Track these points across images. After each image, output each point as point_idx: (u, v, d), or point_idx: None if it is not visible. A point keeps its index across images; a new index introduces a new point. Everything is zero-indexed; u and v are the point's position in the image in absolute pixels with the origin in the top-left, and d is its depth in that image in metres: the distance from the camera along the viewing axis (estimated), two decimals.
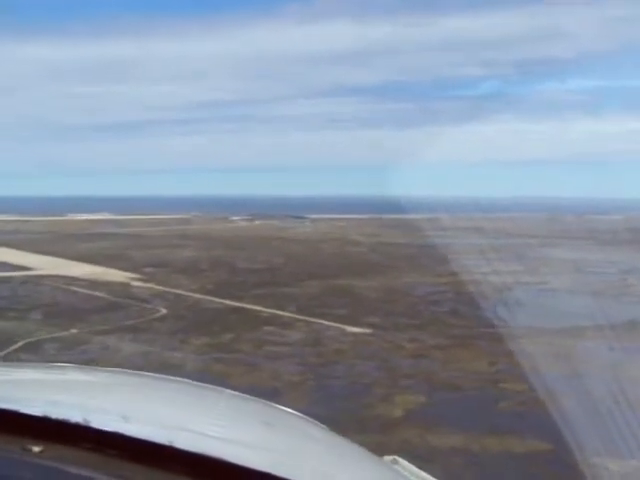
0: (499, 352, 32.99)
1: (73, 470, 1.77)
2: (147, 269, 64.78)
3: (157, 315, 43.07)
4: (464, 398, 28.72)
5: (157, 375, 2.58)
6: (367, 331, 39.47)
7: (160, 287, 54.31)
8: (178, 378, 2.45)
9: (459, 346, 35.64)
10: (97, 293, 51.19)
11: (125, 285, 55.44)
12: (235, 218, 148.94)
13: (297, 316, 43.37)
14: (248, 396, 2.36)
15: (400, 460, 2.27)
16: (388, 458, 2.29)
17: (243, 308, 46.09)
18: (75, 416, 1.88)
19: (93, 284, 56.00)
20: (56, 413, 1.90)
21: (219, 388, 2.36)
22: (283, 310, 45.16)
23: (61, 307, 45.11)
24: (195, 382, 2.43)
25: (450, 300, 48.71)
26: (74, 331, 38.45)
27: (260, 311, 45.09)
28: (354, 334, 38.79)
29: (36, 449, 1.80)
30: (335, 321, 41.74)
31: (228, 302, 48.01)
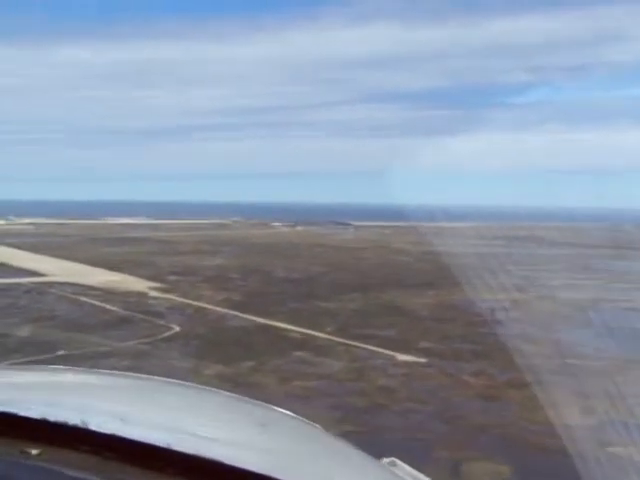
0: (593, 394, 25.40)
1: (71, 473, 1.76)
2: (171, 277, 58.14)
3: (167, 334, 36.06)
4: (560, 470, 21.08)
5: (154, 377, 2.42)
6: (421, 360, 31.99)
7: (180, 299, 47.44)
8: (175, 380, 2.35)
9: (539, 383, 27.84)
10: (107, 305, 44.45)
11: (141, 296, 48.67)
12: (276, 224, 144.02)
13: (336, 338, 36.05)
14: (244, 397, 2.27)
15: (398, 462, 2.07)
16: (386, 460, 2.07)
17: (272, 326, 38.91)
18: (73, 418, 1.87)
19: (106, 294, 49.40)
20: (54, 415, 1.88)
21: (215, 390, 2.31)
22: (320, 330, 37.88)
23: (58, 322, 38.36)
24: (192, 384, 2.39)
25: (518, 321, 40.93)
26: (60, 353, 31.60)
27: (292, 331, 37.85)
28: (406, 364, 31.32)
29: (34, 452, 1.79)
30: (382, 346, 34.34)
31: (255, 318, 40.88)
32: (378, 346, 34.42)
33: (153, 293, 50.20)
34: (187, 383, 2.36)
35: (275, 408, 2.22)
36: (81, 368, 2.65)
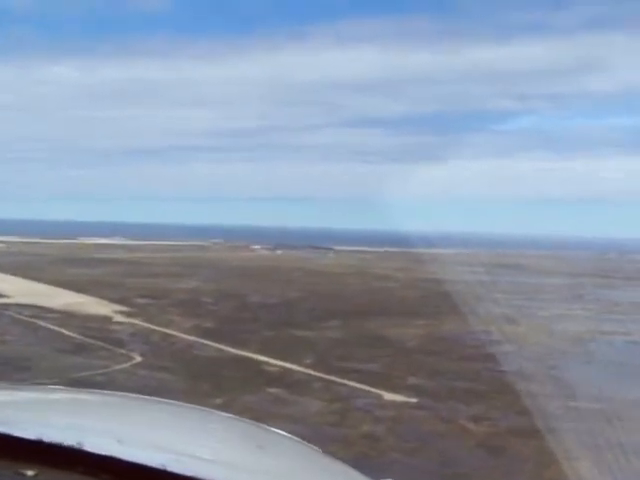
0: (611, 444, 21.78)
1: None
2: (140, 300, 54.33)
3: (126, 365, 32.17)
4: None
5: (150, 398, 2.47)
6: (412, 400, 28.27)
7: (146, 324, 43.57)
8: (171, 401, 2.35)
9: (547, 431, 24.25)
10: (64, 330, 40.51)
11: (104, 320, 44.77)
12: (256, 247, 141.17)
13: (314, 372, 32.33)
14: (240, 418, 2.29)
15: None
16: None
17: (244, 358, 35.13)
18: (69, 439, 1.82)
19: (67, 318, 45.47)
20: (50, 436, 1.84)
21: (212, 410, 2.33)
22: (297, 362, 34.17)
23: (2, 349, 34.39)
24: (188, 405, 2.34)
25: (515, 355, 37.51)
26: None
27: (266, 363, 34.09)
28: (394, 405, 27.57)
29: (30, 473, 1.75)
30: (366, 382, 30.64)
31: (226, 348, 37.10)
32: (362, 382, 30.73)
33: (118, 317, 46.35)
34: (184, 404, 2.31)
35: (273, 429, 2.22)
36: (77, 388, 2.79)
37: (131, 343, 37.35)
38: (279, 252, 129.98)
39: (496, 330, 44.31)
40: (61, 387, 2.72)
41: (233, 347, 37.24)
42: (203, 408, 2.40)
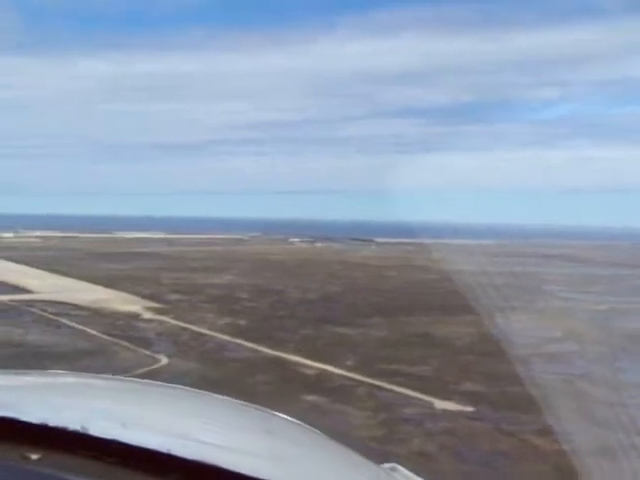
0: None
1: (71, 478, 1.67)
2: (172, 296, 51.71)
3: (150, 368, 29.22)
4: None
5: (156, 382, 2.47)
6: (467, 409, 24.99)
7: (176, 322, 40.77)
8: (177, 385, 2.33)
9: (628, 449, 20.88)
10: (89, 329, 37.83)
11: (132, 318, 42.07)
12: (294, 239, 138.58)
13: (357, 376, 29.16)
14: (247, 403, 2.26)
15: (399, 468, 2.15)
16: (387, 465, 2.16)
17: (280, 359, 32.08)
18: (74, 423, 1.77)
19: (93, 315, 42.90)
20: (55, 420, 1.78)
21: (218, 396, 2.27)
22: (338, 365, 31.04)
23: (20, 350, 31.66)
24: (194, 389, 2.33)
25: (576, 355, 34.09)
26: None
27: (304, 365, 31.02)
28: (447, 415, 24.29)
29: (34, 457, 1.70)
30: (414, 387, 27.41)
31: (261, 348, 34.11)
32: (409, 387, 27.51)
33: (147, 315, 43.63)
34: (189, 388, 2.29)
35: (278, 414, 2.22)
36: (82, 372, 2.59)
37: (158, 343, 34.55)
38: (318, 245, 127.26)
39: (553, 326, 40.85)
40: (66, 372, 2.50)
41: (268, 347, 34.24)
42: (209, 393, 2.28)
